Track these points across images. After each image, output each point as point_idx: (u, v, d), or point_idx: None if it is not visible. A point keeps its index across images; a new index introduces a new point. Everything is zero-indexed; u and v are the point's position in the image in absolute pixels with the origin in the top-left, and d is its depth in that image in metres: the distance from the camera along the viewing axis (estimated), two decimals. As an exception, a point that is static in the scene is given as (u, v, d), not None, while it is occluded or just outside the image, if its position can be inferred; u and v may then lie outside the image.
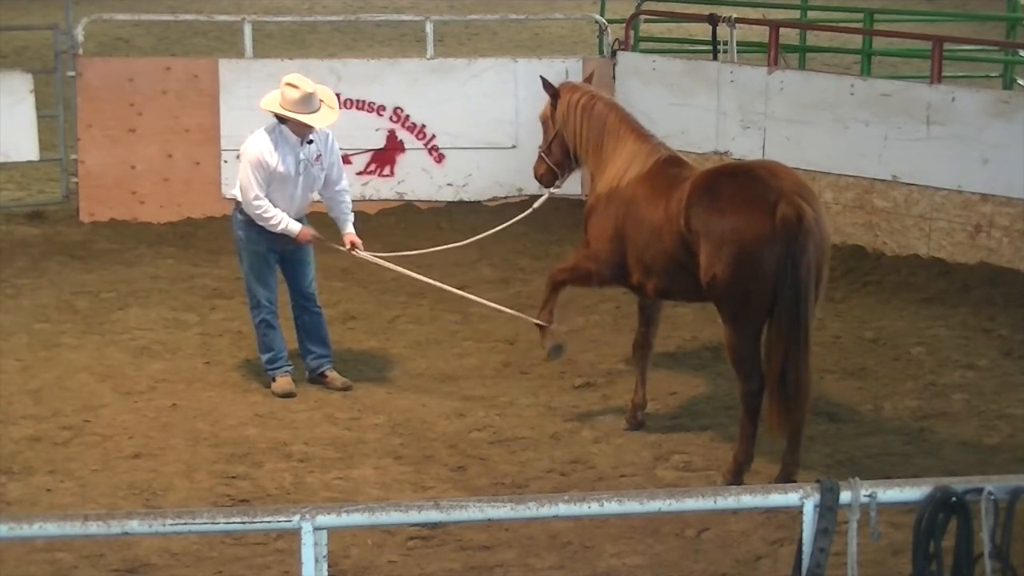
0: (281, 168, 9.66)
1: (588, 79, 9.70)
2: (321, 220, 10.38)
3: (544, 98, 9.77)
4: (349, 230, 10.06)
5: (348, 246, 10.04)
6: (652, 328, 9.49)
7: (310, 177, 9.85)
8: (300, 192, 9.82)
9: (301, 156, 9.74)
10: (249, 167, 9.64)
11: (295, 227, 9.77)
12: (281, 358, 10.04)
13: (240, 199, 9.85)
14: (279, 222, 9.72)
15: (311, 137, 9.76)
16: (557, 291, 9.55)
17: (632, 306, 9.93)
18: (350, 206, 10.13)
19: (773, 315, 8.27)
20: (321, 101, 9.69)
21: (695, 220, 8.45)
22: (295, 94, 9.56)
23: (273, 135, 9.70)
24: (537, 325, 9.62)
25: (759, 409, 8.45)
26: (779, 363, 8.26)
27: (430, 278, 10.40)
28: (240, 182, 9.76)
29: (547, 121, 9.65)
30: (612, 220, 9.03)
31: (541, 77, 9.89)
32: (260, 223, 9.74)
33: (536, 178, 9.88)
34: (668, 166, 9.01)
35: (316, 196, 10.06)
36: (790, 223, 8.16)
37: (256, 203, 9.68)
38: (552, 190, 9.99)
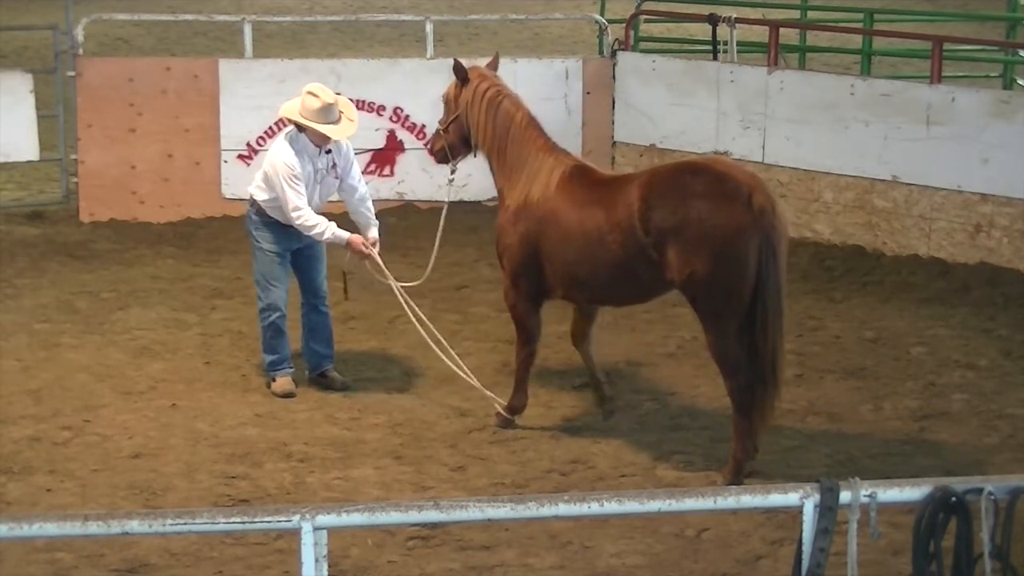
0: (302, 176, 9.67)
1: (493, 64, 9.62)
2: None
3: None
4: (373, 235, 9.97)
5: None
6: (590, 318, 9.45)
7: (326, 185, 9.86)
8: (316, 200, 9.81)
9: (319, 165, 9.74)
10: (283, 181, 9.57)
11: (343, 235, 9.70)
12: (285, 360, 10.04)
13: (256, 199, 9.81)
14: (324, 230, 9.64)
15: (328, 147, 9.76)
16: (528, 368, 9.45)
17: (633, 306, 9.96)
18: (373, 212, 10.07)
19: (756, 307, 8.30)
20: (341, 112, 9.68)
21: (659, 221, 8.41)
22: (316, 103, 9.53)
23: (294, 144, 9.68)
24: (504, 413, 9.45)
25: (751, 403, 8.46)
26: (770, 354, 8.31)
27: (428, 279, 10.37)
28: (280, 199, 9.64)
29: (449, 102, 9.57)
30: (524, 240, 9.01)
31: (455, 60, 9.72)
32: (306, 233, 9.69)
33: (431, 152, 9.84)
34: (580, 174, 8.99)
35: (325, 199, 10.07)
36: (767, 213, 8.24)
37: (296, 214, 9.59)
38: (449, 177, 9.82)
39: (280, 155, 9.64)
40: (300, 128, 9.66)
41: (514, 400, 9.46)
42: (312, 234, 9.69)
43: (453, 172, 9.77)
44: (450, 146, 9.59)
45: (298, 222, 9.64)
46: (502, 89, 9.39)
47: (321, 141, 9.68)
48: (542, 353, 10.55)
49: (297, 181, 9.59)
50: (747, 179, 8.44)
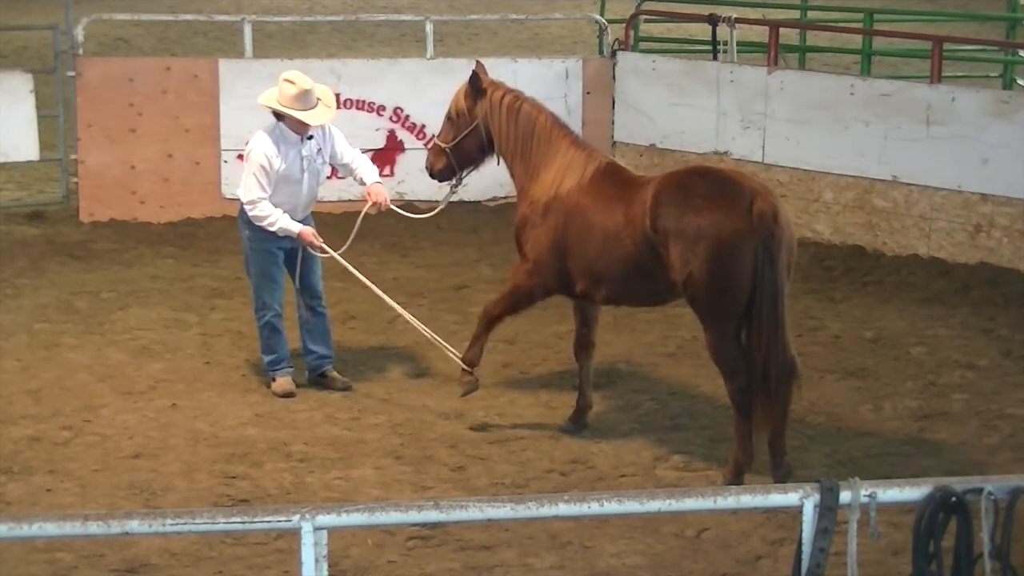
0: (285, 167, 9.64)
1: (480, 71, 9.59)
2: (323, 220, 10.39)
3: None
4: (374, 179, 10.00)
5: (371, 202, 9.93)
6: (592, 327, 9.47)
7: (314, 173, 9.84)
8: (305, 189, 9.81)
9: (304, 153, 9.74)
10: (251, 168, 9.61)
11: (294, 227, 9.70)
12: (283, 360, 10.03)
13: (244, 200, 9.83)
14: (275, 221, 9.65)
15: (311, 133, 9.76)
16: (492, 327, 9.47)
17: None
18: (371, 164, 10.11)
19: (752, 311, 8.32)
20: (318, 99, 9.69)
21: (664, 219, 8.48)
22: (292, 90, 9.57)
23: (274, 134, 9.69)
24: (462, 367, 9.52)
25: (752, 405, 8.46)
26: (762, 358, 8.31)
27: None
28: (243, 183, 9.75)
29: (462, 115, 9.53)
30: (552, 231, 9.02)
31: (474, 71, 9.58)
32: (257, 223, 9.71)
33: (432, 172, 9.78)
34: (611, 172, 9.06)
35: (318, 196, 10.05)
36: (767, 219, 8.27)
37: (250, 205, 9.65)
38: (453, 184, 9.81)
39: (257, 146, 9.67)
40: (279, 117, 9.68)
41: (471, 353, 9.49)
42: (263, 224, 9.67)
43: (459, 182, 9.79)
44: (462, 159, 9.59)
45: (253, 212, 9.65)
46: (518, 95, 9.43)
47: (301, 129, 9.68)
48: (542, 353, 10.59)
49: (264, 174, 9.59)
50: (753, 185, 8.50)
